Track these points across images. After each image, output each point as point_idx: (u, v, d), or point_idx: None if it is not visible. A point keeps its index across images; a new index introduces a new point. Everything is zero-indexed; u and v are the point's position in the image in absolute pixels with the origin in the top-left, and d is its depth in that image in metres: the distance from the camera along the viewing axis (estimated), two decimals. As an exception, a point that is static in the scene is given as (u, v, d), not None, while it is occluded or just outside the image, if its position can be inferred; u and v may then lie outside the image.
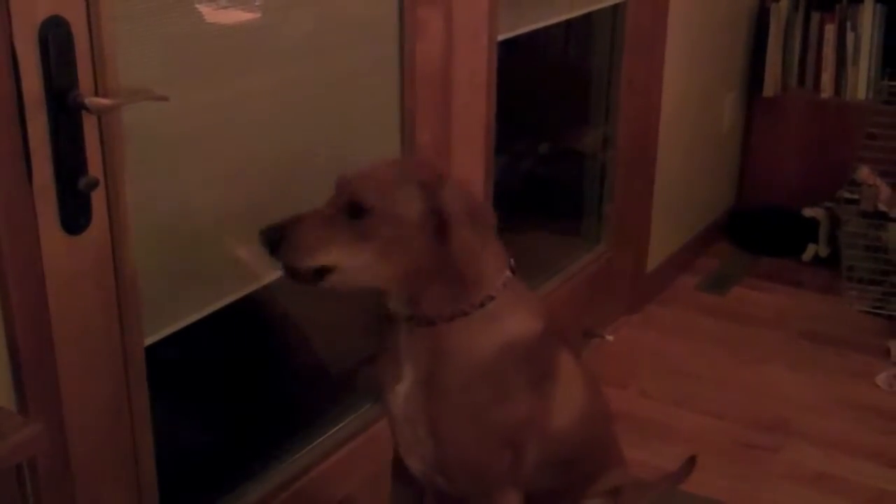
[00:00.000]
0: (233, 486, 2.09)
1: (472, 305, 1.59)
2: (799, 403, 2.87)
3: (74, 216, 1.50)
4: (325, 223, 1.52)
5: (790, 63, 3.74)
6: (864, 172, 3.40)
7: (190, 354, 1.99)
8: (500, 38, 2.41)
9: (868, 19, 3.57)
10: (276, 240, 1.51)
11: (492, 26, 2.34)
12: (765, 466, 2.60)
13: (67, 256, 1.51)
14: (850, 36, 3.60)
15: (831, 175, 3.59)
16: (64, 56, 1.42)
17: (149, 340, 1.71)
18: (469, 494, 1.70)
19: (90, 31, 1.46)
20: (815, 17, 3.66)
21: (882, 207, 3.37)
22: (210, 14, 1.75)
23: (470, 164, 2.35)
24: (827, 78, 3.68)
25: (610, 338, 3.16)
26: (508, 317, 1.62)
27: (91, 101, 1.45)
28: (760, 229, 3.81)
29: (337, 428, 2.30)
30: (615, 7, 3.05)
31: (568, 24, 3.03)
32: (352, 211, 1.51)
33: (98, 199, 1.53)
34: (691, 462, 2.31)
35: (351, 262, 1.52)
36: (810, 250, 3.70)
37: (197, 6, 1.71)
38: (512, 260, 1.66)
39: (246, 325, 2.16)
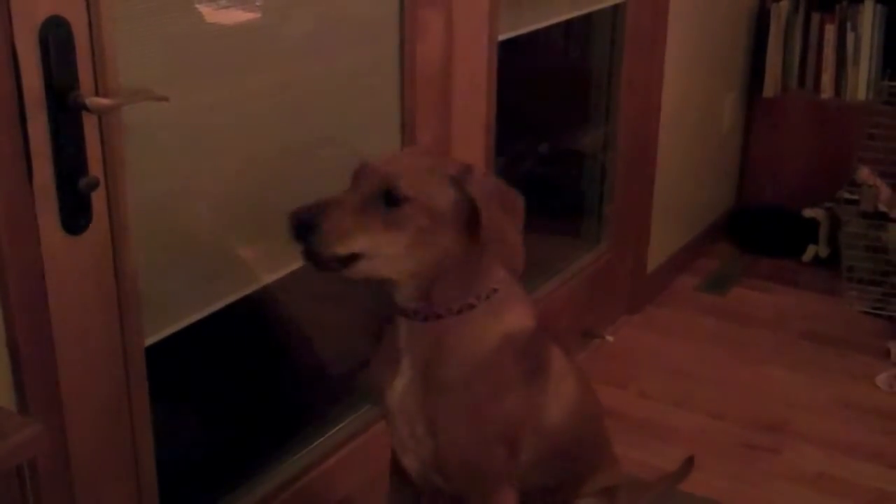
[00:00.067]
0: (233, 486, 2.09)
1: (479, 298, 1.59)
2: (799, 404, 2.87)
3: (75, 216, 1.50)
4: (357, 210, 1.49)
5: (790, 63, 3.74)
6: (864, 173, 3.40)
7: (190, 355, 1.99)
8: (501, 38, 2.41)
9: (868, 20, 3.57)
10: (310, 225, 1.47)
11: (492, 26, 2.34)
12: (764, 467, 2.60)
13: (67, 256, 1.51)
14: (850, 36, 3.60)
15: (831, 175, 3.59)
16: (64, 56, 1.42)
17: (149, 340, 1.71)
18: (466, 493, 1.70)
19: (91, 31, 1.46)
20: (816, 17, 3.66)
21: (882, 208, 3.37)
22: (210, 14, 1.75)
23: (470, 165, 2.35)
24: (827, 78, 3.68)
25: (610, 338, 3.16)
26: (509, 309, 1.63)
27: (91, 101, 1.45)
28: (760, 230, 3.81)
29: (337, 428, 2.30)
30: (615, 7, 3.05)
31: (568, 24, 3.03)
32: (387, 199, 1.49)
33: (98, 199, 1.53)
34: (689, 462, 2.31)
35: (381, 251, 1.50)
36: (810, 251, 3.71)
37: (197, 6, 1.72)
38: None
39: (246, 325, 2.16)
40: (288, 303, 2.25)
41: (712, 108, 3.63)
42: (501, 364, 1.61)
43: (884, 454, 2.64)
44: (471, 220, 1.53)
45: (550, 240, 3.35)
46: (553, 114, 3.32)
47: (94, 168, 1.50)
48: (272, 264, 1.97)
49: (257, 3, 1.85)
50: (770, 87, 3.74)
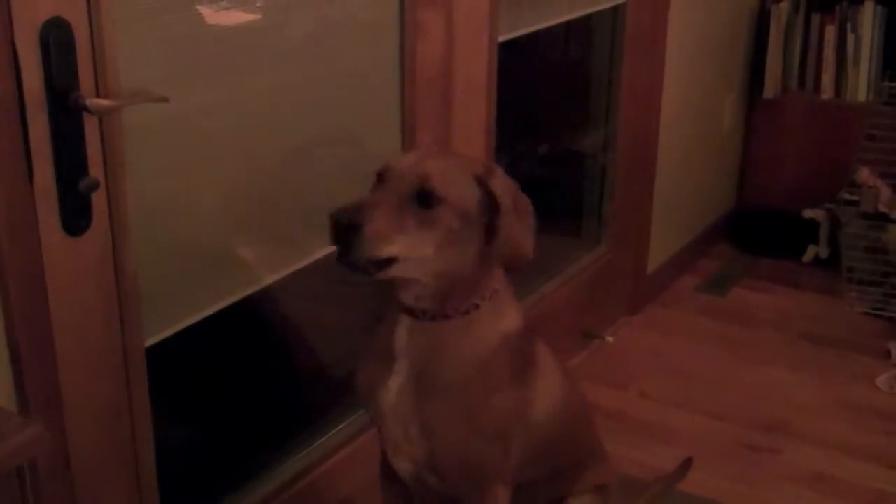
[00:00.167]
0: (233, 486, 2.09)
1: (483, 299, 1.60)
2: (799, 405, 2.87)
3: (75, 217, 1.50)
4: (394, 212, 1.48)
5: (790, 64, 3.74)
6: (864, 174, 3.41)
7: (190, 355, 1.99)
8: (501, 39, 2.41)
9: (868, 21, 3.57)
10: (353, 227, 1.44)
11: (492, 27, 2.34)
12: (765, 467, 2.60)
13: (68, 257, 1.51)
14: (850, 37, 3.60)
15: (831, 176, 3.59)
16: (65, 57, 1.43)
17: (149, 341, 1.71)
18: (460, 492, 1.69)
19: (91, 32, 1.46)
20: (816, 18, 3.66)
21: (882, 209, 3.37)
22: (211, 15, 1.75)
23: (470, 165, 2.35)
24: (827, 79, 3.69)
25: (610, 338, 3.17)
26: (506, 309, 1.64)
27: (92, 102, 1.45)
28: (761, 231, 3.81)
29: (337, 429, 2.30)
30: (615, 8, 3.05)
31: (568, 25, 3.03)
32: (421, 200, 1.49)
33: (99, 200, 1.53)
34: (688, 463, 2.31)
35: (415, 253, 1.50)
36: (810, 252, 3.71)
37: (198, 8, 1.72)
38: None
39: (247, 326, 2.16)
40: (289, 303, 2.25)
41: (712, 108, 3.63)
42: (499, 363, 1.62)
43: (884, 455, 2.64)
44: (493, 219, 1.54)
45: (551, 240, 3.34)
46: (553, 114, 3.33)
47: (95, 169, 1.51)
48: (272, 265, 1.97)
49: (258, 5, 1.85)
50: (770, 88, 3.74)
